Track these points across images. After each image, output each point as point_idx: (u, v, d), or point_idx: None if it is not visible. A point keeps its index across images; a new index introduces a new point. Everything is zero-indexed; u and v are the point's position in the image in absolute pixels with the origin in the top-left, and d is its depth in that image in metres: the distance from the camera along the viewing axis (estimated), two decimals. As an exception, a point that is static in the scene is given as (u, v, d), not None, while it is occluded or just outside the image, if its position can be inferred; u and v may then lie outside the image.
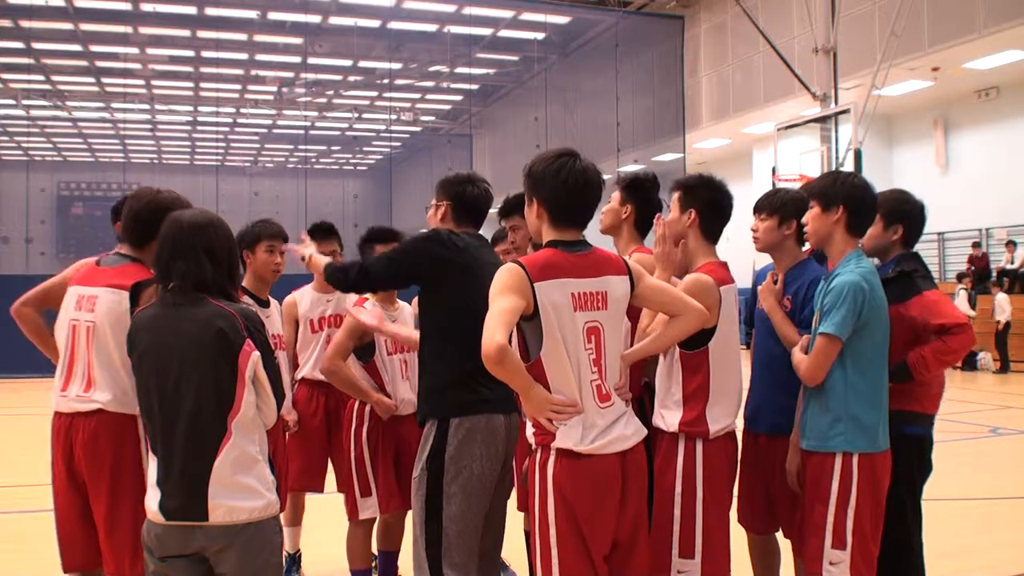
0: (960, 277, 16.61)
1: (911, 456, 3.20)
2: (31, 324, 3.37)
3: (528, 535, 3.80)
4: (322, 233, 4.54)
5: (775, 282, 3.35)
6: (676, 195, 3.14)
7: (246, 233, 4.05)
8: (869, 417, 2.92)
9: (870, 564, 2.90)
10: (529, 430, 2.63)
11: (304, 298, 4.64)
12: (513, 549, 3.89)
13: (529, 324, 2.51)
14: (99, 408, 3.00)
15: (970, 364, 16.17)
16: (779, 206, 3.33)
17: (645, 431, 2.71)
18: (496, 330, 2.37)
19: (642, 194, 3.35)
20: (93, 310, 3.04)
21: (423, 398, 3.06)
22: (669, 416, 2.96)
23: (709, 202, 3.09)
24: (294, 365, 4.61)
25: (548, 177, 2.62)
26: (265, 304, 4.08)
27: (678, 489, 2.91)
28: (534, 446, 2.61)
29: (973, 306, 15.93)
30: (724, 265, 3.10)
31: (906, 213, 3.31)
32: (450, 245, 3.07)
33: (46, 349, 3.46)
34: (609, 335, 2.61)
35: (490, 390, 2.94)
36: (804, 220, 3.14)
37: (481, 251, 3.18)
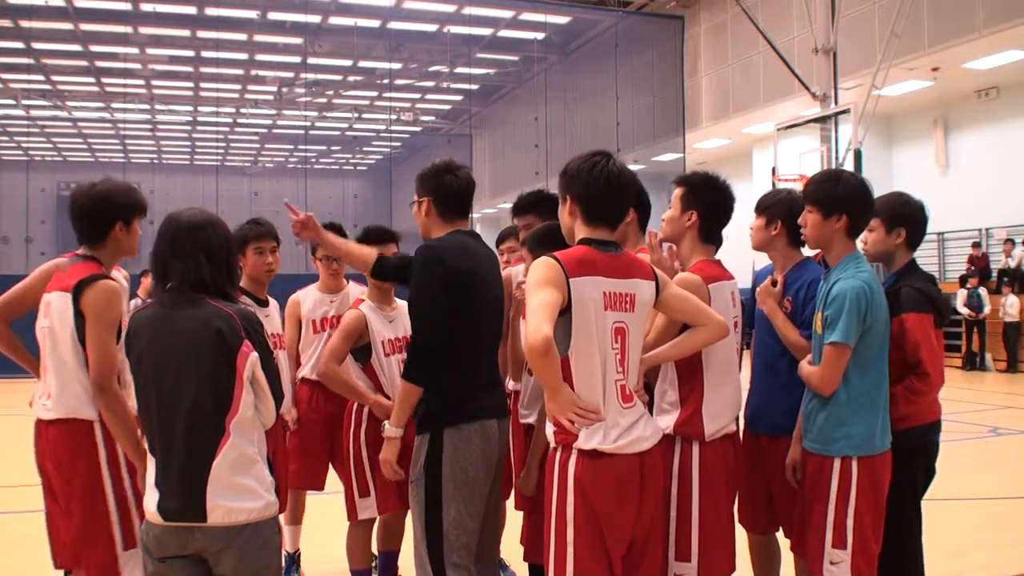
0: (964, 279, 16.59)
1: (918, 461, 3.20)
2: (2, 337, 3.32)
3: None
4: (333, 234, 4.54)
5: (774, 284, 3.35)
6: (678, 192, 3.12)
7: (234, 236, 4.02)
8: (869, 421, 2.93)
9: (871, 563, 2.91)
10: (549, 429, 2.64)
11: (308, 298, 4.64)
12: (513, 549, 3.89)
13: (560, 319, 2.51)
14: (55, 417, 3.00)
15: (972, 363, 16.16)
16: (766, 207, 3.35)
17: (661, 433, 2.73)
18: (542, 322, 2.39)
19: (642, 197, 3.36)
20: (48, 315, 3.04)
21: (420, 412, 3.01)
22: (664, 418, 2.96)
23: (711, 204, 3.08)
24: (296, 364, 4.61)
25: (582, 174, 2.65)
26: (264, 304, 4.08)
27: (674, 492, 2.91)
28: (553, 445, 2.61)
29: (980, 307, 15.87)
30: (717, 263, 3.10)
31: (907, 216, 3.27)
32: (448, 256, 2.96)
33: (21, 360, 3.43)
34: (633, 337, 2.64)
35: (486, 397, 2.98)
36: (801, 222, 3.12)
37: (478, 253, 3.08)
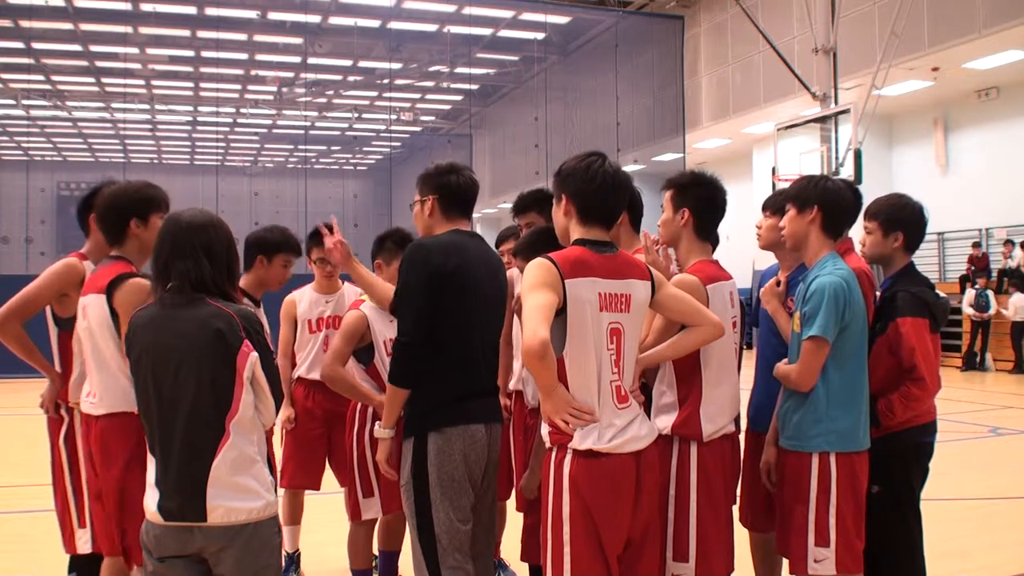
0: (965, 280, 16.57)
1: (914, 462, 3.21)
2: (17, 339, 3.40)
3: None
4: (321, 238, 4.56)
5: (778, 284, 3.36)
6: (668, 195, 3.13)
7: (266, 240, 4.06)
8: (848, 418, 2.94)
9: (856, 559, 2.93)
10: (544, 429, 2.64)
11: (303, 298, 4.66)
12: (514, 549, 3.89)
13: (555, 320, 2.51)
14: (103, 413, 3.09)
15: (971, 364, 16.14)
16: (781, 206, 3.34)
17: (657, 432, 2.73)
18: (539, 325, 2.39)
19: (634, 198, 3.36)
20: (87, 317, 3.13)
21: (404, 415, 3.00)
22: (662, 418, 2.96)
23: (701, 201, 3.07)
24: (292, 364, 4.63)
25: (578, 173, 2.66)
26: (257, 305, 4.11)
27: (671, 492, 2.91)
28: (549, 445, 2.61)
29: (984, 307, 15.81)
30: (715, 263, 3.10)
31: (905, 219, 3.28)
32: (436, 254, 2.93)
33: (34, 361, 3.46)
34: (629, 337, 2.64)
35: (474, 403, 2.96)
36: (781, 224, 3.15)
37: (469, 252, 3.02)
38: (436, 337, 2.91)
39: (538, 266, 2.55)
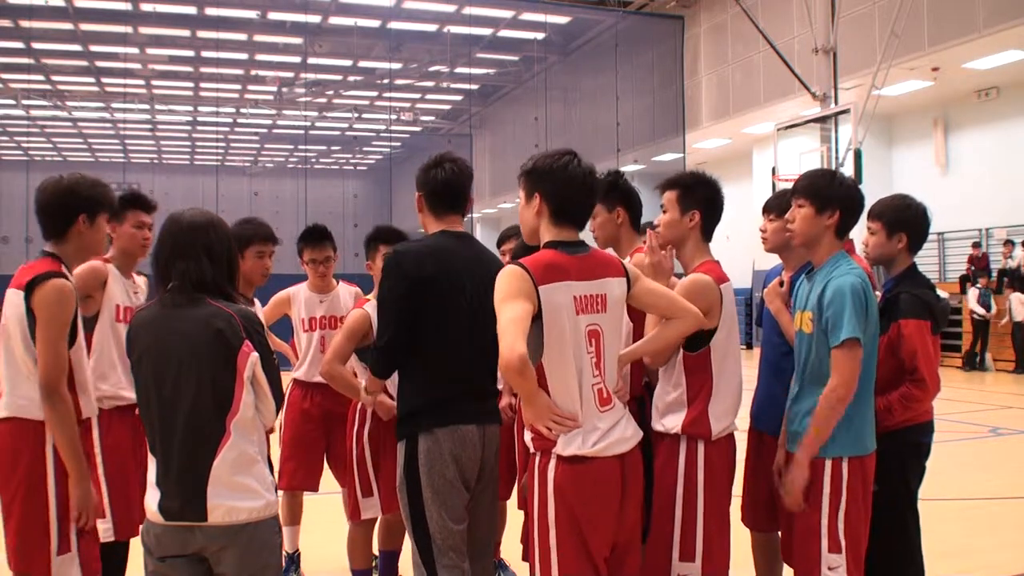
0: (964, 280, 16.56)
1: (912, 461, 3.20)
2: None
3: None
4: (315, 238, 4.55)
5: (781, 284, 3.35)
6: (673, 195, 3.07)
7: (235, 234, 4.02)
8: (861, 421, 2.92)
9: (859, 563, 2.90)
10: (527, 435, 2.62)
11: (299, 296, 4.66)
12: (514, 549, 3.89)
13: (532, 327, 2.47)
14: (5, 416, 2.93)
15: (972, 364, 16.13)
16: (785, 207, 3.33)
17: (642, 433, 2.70)
18: (516, 339, 2.34)
19: (629, 195, 3.35)
20: (4, 313, 2.97)
21: (398, 418, 3.04)
22: (671, 418, 2.94)
23: (709, 202, 3.05)
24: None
25: (556, 171, 2.61)
26: (251, 303, 4.10)
27: (679, 492, 2.88)
28: (532, 451, 2.59)
29: (988, 307, 15.80)
30: (719, 263, 3.08)
31: (908, 220, 3.27)
32: (410, 263, 2.93)
33: None
34: (608, 337, 2.61)
35: (466, 403, 2.95)
36: (790, 217, 3.10)
37: (451, 255, 2.99)
38: (420, 342, 2.91)
39: (510, 275, 2.50)
